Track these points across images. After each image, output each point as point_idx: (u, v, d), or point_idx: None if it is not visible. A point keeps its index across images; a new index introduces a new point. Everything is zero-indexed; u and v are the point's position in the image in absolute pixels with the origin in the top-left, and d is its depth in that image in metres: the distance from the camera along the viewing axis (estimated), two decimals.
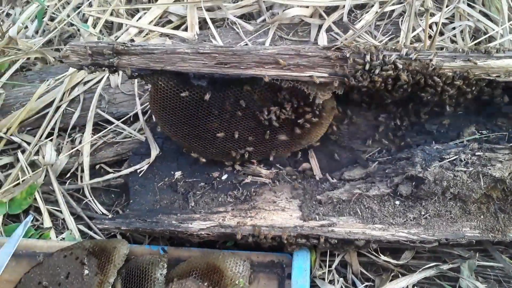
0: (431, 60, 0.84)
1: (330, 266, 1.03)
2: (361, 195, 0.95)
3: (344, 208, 0.96)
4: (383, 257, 0.97)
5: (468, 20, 1.24)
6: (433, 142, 0.97)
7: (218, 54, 0.90)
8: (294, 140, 1.05)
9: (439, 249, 1.00)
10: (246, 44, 1.25)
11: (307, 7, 1.22)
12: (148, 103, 1.23)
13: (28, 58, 1.33)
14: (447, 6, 1.25)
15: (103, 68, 0.93)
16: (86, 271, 1.01)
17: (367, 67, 0.85)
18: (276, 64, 0.89)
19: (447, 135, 0.99)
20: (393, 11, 1.24)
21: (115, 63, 0.91)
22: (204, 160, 1.09)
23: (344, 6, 1.24)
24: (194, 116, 1.01)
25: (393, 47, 0.85)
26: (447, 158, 0.87)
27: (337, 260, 1.01)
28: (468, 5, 1.26)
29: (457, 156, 0.88)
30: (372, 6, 1.23)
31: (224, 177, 1.12)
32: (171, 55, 0.91)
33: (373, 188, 0.95)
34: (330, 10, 1.27)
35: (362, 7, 1.26)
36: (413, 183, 0.91)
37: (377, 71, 0.84)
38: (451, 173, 0.87)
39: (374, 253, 1.01)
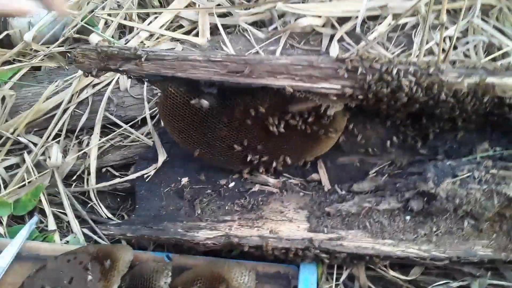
0: (444, 75, 0.82)
1: (337, 279, 1.02)
2: (370, 209, 0.94)
3: (353, 221, 0.95)
4: (391, 272, 0.95)
5: (482, 34, 1.22)
6: (445, 157, 0.96)
7: (229, 63, 0.89)
8: (303, 151, 1.04)
9: (449, 266, 0.98)
10: (257, 52, 1.24)
11: (320, 16, 1.21)
12: (156, 107, 1.23)
13: (42, 59, 1.33)
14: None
15: (115, 72, 0.93)
16: (90, 277, 1.00)
17: (380, 80, 0.83)
18: (288, 75, 0.88)
19: (459, 151, 0.97)
20: (406, 23, 1.23)
21: (126, 68, 0.91)
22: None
23: (357, 17, 1.22)
24: (203, 124, 1.00)
25: (407, 60, 0.84)
26: (460, 175, 0.86)
27: (345, 274, 1.00)
28: (482, 19, 1.25)
29: (470, 173, 0.86)
30: (385, 17, 1.22)
31: (231, 185, 1.11)
32: (183, 62, 0.90)
33: (383, 202, 0.94)
34: (342, 20, 1.26)
35: (375, 18, 1.25)
36: (425, 199, 0.89)
37: (391, 86, 0.83)
38: (464, 191, 0.85)
39: (383, 268, 1.00)
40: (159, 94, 1.00)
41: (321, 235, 0.93)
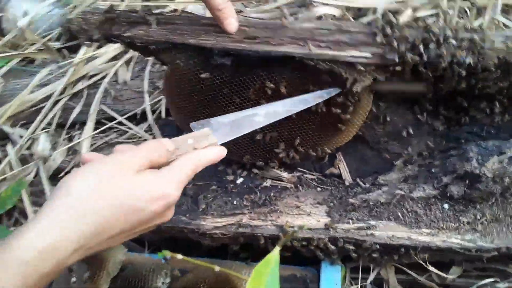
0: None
1: (362, 286, 0.89)
2: (403, 196, 0.83)
3: (383, 212, 0.83)
4: (432, 268, 0.83)
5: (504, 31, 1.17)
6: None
7: (247, 27, 0.80)
8: (322, 139, 0.94)
9: (490, 267, 0.86)
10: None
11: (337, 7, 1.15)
12: (158, 99, 1.13)
13: (35, 51, 1.23)
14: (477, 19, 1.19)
15: (115, 41, 0.83)
16: (74, 279, 0.85)
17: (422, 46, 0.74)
18: (313, 41, 0.79)
19: (498, 136, 0.87)
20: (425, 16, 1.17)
21: (132, 34, 0.81)
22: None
23: (374, 11, 1.16)
24: (212, 104, 0.89)
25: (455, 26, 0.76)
26: (508, 153, 0.76)
27: (372, 275, 0.87)
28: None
29: None
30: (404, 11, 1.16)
31: (239, 180, 0.99)
32: (195, 26, 0.81)
33: (417, 189, 0.83)
34: (359, 14, 1.20)
35: (394, 12, 1.19)
36: (466, 182, 0.78)
37: (437, 52, 0.74)
38: None
39: (414, 271, 0.88)
40: (165, 70, 0.89)
41: (348, 225, 0.81)
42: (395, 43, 0.75)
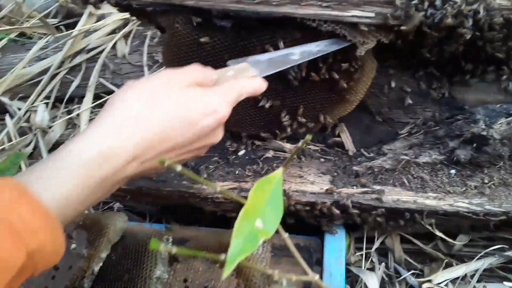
0: None
1: (367, 255, 0.87)
2: (409, 162, 0.81)
3: (388, 178, 0.81)
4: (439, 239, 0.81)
5: None
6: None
7: None
8: (325, 108, 0.92)
9: (497, 236, 0.84)
10: None
11: None
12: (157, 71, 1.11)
13: (32, 26, 1.21)
14: None
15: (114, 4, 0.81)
16: (74, 245, 0.84)
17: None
18: (315, 0, 0.76)
19: (506, 100, 0.85)
20: None
21: None
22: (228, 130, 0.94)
23: None
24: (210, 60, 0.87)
25: None
26: None
27: (377, 244, 0.85)
28: None
29: None
30: None
31: (241, 152, 0.97)
32: None
33: (423, 154, 0.81)
34: None
35: None
36: (474, 146, 0.76)
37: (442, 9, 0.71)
38: None
39: (420, 240, 0.86)
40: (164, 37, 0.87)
41: (352, 189, 0.79)
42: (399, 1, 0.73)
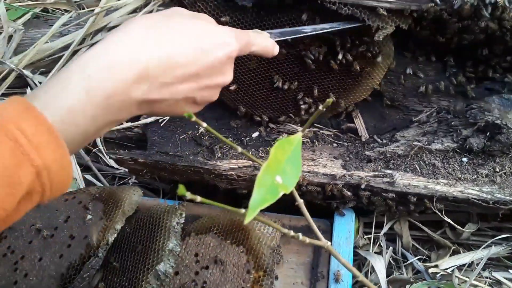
0: None
1: (375, 239, 0.88)
2: (421, 148, 0.81)
3: (400, 164, 0.82)
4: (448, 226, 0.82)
5: None
6: None
7: None
8: (341, 92, 0.92)
9: (505, 226, 0.85)
10: None
11: None
12: None
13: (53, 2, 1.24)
14: None
15: None
16: (89, 216, 0.86)
17: None
18: None
19: None
20: None
21: None
22: (243, 109, 0.95)
23: None
24: None
25: None
26: None
27: (385, 228, 0.86)
28: None
29: None
30: None
31: (255, 134, 0.99)
32: None
33: (436, 141, 0.81)
34: None
35: None
36: (487, 135, 0.77)
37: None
38: None
39: (428, 228, 0.87)
40: None
41: (364, 172, 0.80)
42: None
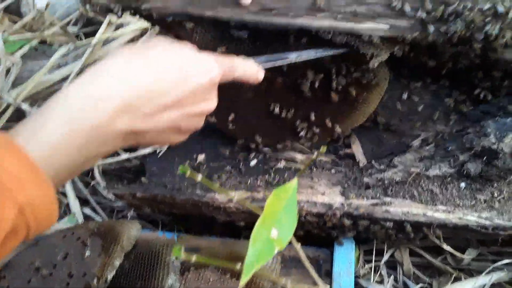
0: None
1: (376, 268, 0.87)
2: (419, 175, 0.81)
3: (398, 191, 0.82)
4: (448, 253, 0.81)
5: None
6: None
7: None
8: (336, 119, 0.93)
9: (505, 251, 0.85)
10: None
11: None
12: None
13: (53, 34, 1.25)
14: None
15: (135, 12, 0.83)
16: (88, 252, 0.86)
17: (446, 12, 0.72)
18: (329, 12, 0.78)
19: None
20: None
21: (149, 6, 0.81)
22: (241, 141, 0.96)
23: None
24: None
25: None
26: None
27: (386, 256, 0.85)
28: None
29: None
30: None
31: (253, 162, 0.99)
32: None
33: (433, 167, 0.81)
34: None
35: None
36: (484, 160, 0.77)
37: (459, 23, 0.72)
38: None
39: (429, 254, 0.86)
40: None
41: (362, 201, 0.80)
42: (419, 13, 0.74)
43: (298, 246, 0.45)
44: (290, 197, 0.41)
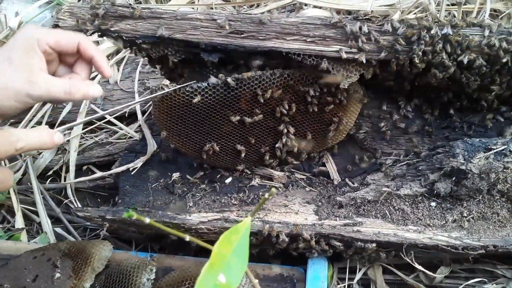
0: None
1: (349, 286, 0.88)
2: (390, 194, 0.82)
3: (370, 210, 0.83)
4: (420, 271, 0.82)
5: None
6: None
7: (234, 21, 0.80)
8: (315, 139, 0.93)
9: (478, 268, 0.85)
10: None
11: (326, 8, 1.15)
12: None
13: None
14: None
15: (105, 35, 0.83)
16: (58, 274, 0.84)
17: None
18: (299, 35, 0.79)
19: (487, 135, 0.87)
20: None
21: (118, 28, 0.81)
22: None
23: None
24: (205, 121, 0.87)
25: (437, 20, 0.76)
26: (494, 149, 0.75)
27: (359, 275, 0.85)
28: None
29: (506, 146, 0.76)
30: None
31: (228, 180, 0.98)
32: (182, 21, 0.81)
33: (404, 186, 0.82)
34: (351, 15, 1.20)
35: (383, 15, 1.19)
36: (453, 179, 0.78)
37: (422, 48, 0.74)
38: (499, 164, 0.74)
39: (402, 271, 0.86)
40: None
41: (334, 222, 0.80)
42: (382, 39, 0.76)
43: (255, 282, 0.45)
44: (242, 237, 0.41)
